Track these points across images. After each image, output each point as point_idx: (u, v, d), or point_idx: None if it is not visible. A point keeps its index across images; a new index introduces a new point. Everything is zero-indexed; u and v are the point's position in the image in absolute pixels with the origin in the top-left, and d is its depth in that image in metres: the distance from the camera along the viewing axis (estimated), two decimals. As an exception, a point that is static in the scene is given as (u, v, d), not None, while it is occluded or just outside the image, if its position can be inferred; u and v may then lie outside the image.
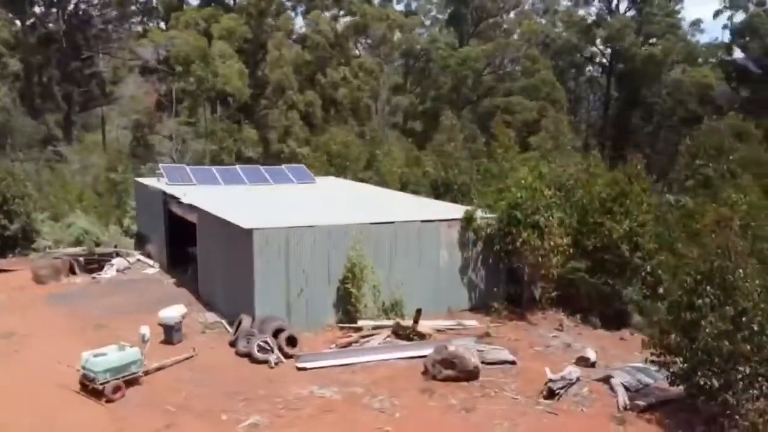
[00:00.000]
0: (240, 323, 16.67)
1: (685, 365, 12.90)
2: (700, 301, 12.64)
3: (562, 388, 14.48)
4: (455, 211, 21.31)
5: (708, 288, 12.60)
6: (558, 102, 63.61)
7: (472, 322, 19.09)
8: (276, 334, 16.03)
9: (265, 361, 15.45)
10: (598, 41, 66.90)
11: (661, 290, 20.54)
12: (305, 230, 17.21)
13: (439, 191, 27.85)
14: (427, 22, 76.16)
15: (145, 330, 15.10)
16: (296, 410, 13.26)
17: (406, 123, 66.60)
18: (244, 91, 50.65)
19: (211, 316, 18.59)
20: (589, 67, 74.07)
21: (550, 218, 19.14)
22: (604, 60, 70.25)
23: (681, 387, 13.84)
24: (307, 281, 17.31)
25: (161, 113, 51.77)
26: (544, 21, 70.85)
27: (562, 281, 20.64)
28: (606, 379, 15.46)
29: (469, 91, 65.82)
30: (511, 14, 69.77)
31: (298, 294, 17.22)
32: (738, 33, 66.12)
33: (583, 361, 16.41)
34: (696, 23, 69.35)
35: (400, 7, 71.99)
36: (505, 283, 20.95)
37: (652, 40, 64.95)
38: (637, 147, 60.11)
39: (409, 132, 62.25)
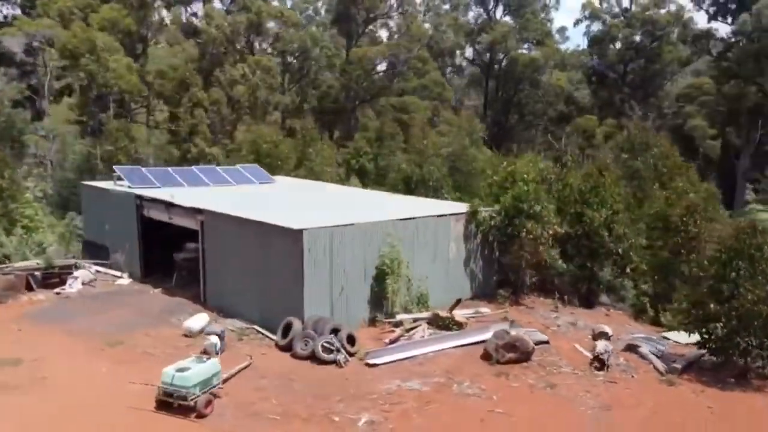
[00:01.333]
0: (289, 326, 16.28)
1: (725, 329, 15.02)
2: (734, 274, 14.83)
3: (608, 360, 16.12)
4: (449, 206, 22.30)
5: (740, 262, 14.83)
6: (448, 101, 67.19)
7: (486, 309, 20.23)
8: (333, 333, 15.93)
9: (332, 362, 15.33)
10: (480, 45, 71.28)
11: (628, 270, 23.22)
12: (346, 229, 17.22)
13: (411, 187, 28.59)
14: (304, 21, 75.97)
15: (215, 340, 14.31)
16: (399, 404, 13.47)
17: (285, 121, 65.90)
18: (140, 87, 47.56)
19: (234, 323, 17.81)
20: (467, 70, 78.72)
21: (547, 209, 20.83)
22: (480, 62, 75.14)
23: (700, 349, 16.14)
24: (347, 279, 17.33)
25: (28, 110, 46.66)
26: (427, 24, 73.98)
27: (543, 267, 22.50)
28: (630, 349, 17.40)
29: (363, 91, 67.05)
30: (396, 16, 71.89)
31: (339, 293, 17.17)
32: (595, 41, 74.20)
33: (602, 336, 18.20)
34: (561, 31, 76.56)
35: (274, 4, 70.88)
36: (496, 272, 22.41)
37: (525, 46, 70.92)
38: (516, 145, 65.68)
39: (290, 131, 61.57)
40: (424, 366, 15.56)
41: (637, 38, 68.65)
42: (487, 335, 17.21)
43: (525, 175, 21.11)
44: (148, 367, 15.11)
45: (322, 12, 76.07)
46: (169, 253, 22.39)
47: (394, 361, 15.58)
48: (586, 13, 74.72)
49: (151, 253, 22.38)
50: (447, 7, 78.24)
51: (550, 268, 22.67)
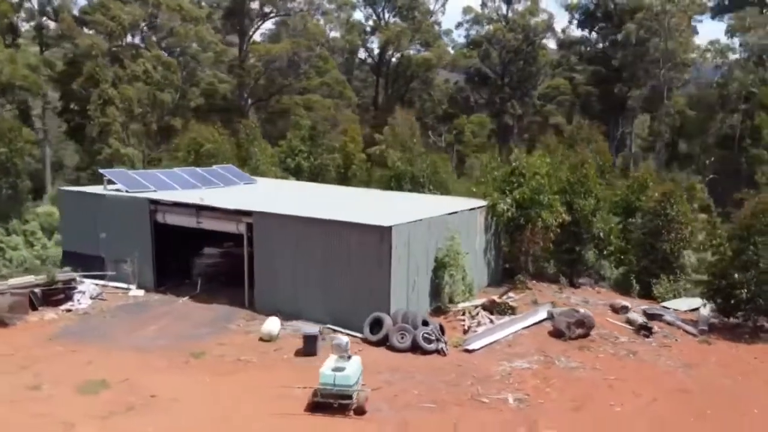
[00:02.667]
0: (378, 321, 16.60)
1: (748, 294, 17.97)
2: (752, 247, 17.82)
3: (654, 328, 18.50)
4: (463, 201, 23.54)
5: (757, 238, 17.85)
6: (349, 100, 68.15)
7: (512, 294, 21.84)
8: (423, 325, 16.57)
9: (434, 351, 15.98)
10: (375, 45, 73.05)
11: (605, 252, 26.17)
12: (418, 224, 17.84)
13: (401, 183, 29.15)
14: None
15: (345, 339, 14.33)
16: (525, 382, 14.60)
17: (162, 119, 62.81)
18: (39, 84, 43.32)
19: (300, 324, 17.63)
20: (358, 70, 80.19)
21: (556, 199, 22.94)
22: (372, 61, 77.09)
23: (717, 314, 19.13)
24: (417, 272, 17.99)
25: None
26: (322, 21, 74.27)
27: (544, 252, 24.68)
28: (654, 317, 19.88)
29: (261, 89, 65.80)
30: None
31: (413, 286, 17.80)
32: (476, 43, 79.36)
33: (623, 309, 20.62)
34: (447, 33, 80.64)
35: None
36: (503, 260, 24.23)
37: (417, 46, 74.00)
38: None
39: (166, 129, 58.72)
40: (513, 347, 16.77)
41: (516, 42, 74.31)
42: (541, 316, 18.88)
43: (537, 170, 22.95)
44: (255, 375, 14.87)
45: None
46: (179, 261, 21.34)
47: (486, 346, 16.58)
48: (468, 17, 79.92)
49: (162, 261, 21.08)
50: (332, 6, 79.07)
51: (547, 254, 24.84)
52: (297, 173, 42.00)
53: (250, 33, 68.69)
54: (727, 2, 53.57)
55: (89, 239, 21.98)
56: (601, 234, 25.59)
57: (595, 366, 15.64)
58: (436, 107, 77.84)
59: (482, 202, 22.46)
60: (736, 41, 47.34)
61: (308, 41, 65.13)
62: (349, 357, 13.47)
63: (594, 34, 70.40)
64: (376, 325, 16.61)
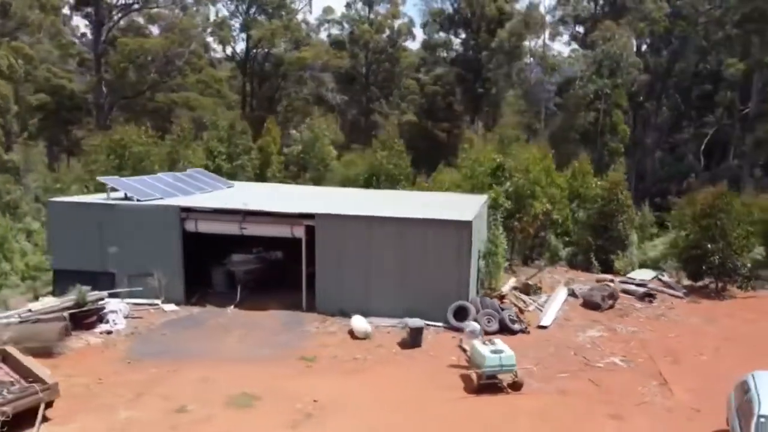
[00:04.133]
0: (462, 310, 17.89)
1: (720, 260, 22.21)
2: (717, 222, 22.14)
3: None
4: (461, 197, 25.40)
5: (720, 213, 22.18)
6: (228, 98, 66.21)
7: (522, 276, 24.26)
8: (501, 309, 18.26)
9: (519, 331, 17.73)
10: (244, 41, 71.32)
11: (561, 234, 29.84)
12: (475, 219, 19.35)
13: (379, 180, 29.58)
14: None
15: (476, 326, 15.46)
16: (613, 346, 16.96)
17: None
18: None
19: (374, 320, 18.28)
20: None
21: (544, 191, 25.87)
22: (240, 59, 75.10)
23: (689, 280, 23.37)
24: (473, 262, 19.56)
25: None
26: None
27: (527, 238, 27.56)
28: (642, 285, 23.49)
29: (128, 87, 61.26)
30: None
31: (477, 274, 19.35)
32: (339, 43, 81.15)
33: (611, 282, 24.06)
34: (314, 32, 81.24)
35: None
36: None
37: (287, 45, 73.75)
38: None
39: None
40: (571, 321, 19.12)
41: (383, 44, 77.50)
42: (564, 293, 21.53)
43: (530, 165, 25.57)
44: (385, 371, 15.41)
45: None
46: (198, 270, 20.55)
47: (552, 322, 18.72)
48: (328, 17, 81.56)
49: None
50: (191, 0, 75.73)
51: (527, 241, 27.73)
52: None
53: (110, 25, 63.47)
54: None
55: (91, 254, 20.05)
56: (560, 219, 29.12)
57: (647, 328, 18.53)
58: (306, 107, 78.38)
59: (484, 197, 24.49)
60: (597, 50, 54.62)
61: (182, 37, 62.19)
62: (492, 342, 14.73)
63: (456, 38, 75.65)
64: (460, 312, 17.87)
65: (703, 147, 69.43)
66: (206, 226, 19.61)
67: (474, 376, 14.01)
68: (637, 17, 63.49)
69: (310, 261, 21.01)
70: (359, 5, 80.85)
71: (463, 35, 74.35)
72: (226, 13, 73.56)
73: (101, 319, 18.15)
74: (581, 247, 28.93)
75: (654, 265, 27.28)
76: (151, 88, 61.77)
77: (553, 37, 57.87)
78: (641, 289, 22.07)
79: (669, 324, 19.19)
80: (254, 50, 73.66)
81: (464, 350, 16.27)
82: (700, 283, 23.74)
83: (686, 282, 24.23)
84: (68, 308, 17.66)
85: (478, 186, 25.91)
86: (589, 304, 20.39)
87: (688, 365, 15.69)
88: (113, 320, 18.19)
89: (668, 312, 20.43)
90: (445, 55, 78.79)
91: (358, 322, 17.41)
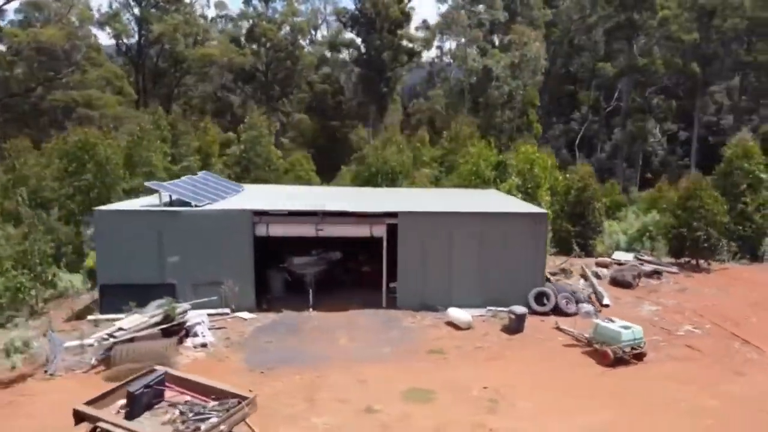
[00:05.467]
0: (542, 295, 19.33)
1: (705, 237, 25.75)
2: (698, 204, 25.70)
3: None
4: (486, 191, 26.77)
5: (695, 201, 25.77)
6: (129, 96, 61.99)
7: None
8: (573, 293, 20.00)
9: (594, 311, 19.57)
10: (144, 36, 66.82)
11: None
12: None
13: (377, 178, 29.57)
14: None
15: (591, 307, 16.90)
16: (678, 317, 19.34)
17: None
18: None
19: (470, 311, 19.04)
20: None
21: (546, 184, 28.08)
22: (132, 54, 70.10)
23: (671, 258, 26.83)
24: (544, 251, 21.06)
25: None
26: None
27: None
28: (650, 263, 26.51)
29: (14, 83, 55.20)
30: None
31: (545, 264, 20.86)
32: (235, 41, 78.73)
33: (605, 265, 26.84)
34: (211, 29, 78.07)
35: None
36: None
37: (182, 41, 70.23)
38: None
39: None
40: (621, 299, 21.30)
41: (284, 41, 76.64)
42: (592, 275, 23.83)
43: (533, 162, 27.52)
44: (516, 356, 16.41)
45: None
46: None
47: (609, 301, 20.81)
48: (221, 12, 78.93)
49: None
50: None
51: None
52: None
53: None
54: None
55: (147, 266, 18.80)
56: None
57: (687, 300, 21.23)
58: (207, 104, 75.90)
59: (491, 190, 26.06)
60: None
61: (78, 28, 57.27)
62: (612, 320, 16.35)
63: (359, 38, 76.73)
64: (541, 298, 19.30)
65: (577, 141, 76.88)
66: (279, 230, 19.14)
67: (609, 351, 15.45)
68: (523, 23, 68.91)
69: (369, 260, 21.39)
70: (255, 1, 79.33)
71: (367, 35, 75.66)
72: (117, 5, 68.64)
73: (188, 333, 17.15)
74: (562, 234, 31.61)
75: (628, 247, 30.65)
76: (42, 84, 56.04)
77: (471, 42, 60.81)
78: (647, 268, 24.90)
79: (694, 295, 22.08)
80: (150, 45, 69.60)
81: (561, 330, 17.77)
82: (681, 260, 27.20)
83: (666, 259, 27.64)
84: (159, 323, 16.54)
85: (484, 180, 27.45)
86: (621, 283, 22.74)
87: (748, 327, 18.42)
88: (201, 332, 17.27)
89: (684, 285, 23.36)
90: (347, 55, 79.66)
91: (459, 314, 18.16)
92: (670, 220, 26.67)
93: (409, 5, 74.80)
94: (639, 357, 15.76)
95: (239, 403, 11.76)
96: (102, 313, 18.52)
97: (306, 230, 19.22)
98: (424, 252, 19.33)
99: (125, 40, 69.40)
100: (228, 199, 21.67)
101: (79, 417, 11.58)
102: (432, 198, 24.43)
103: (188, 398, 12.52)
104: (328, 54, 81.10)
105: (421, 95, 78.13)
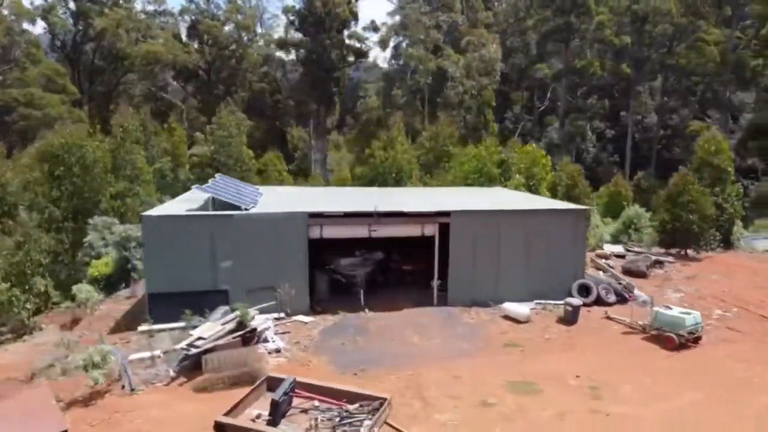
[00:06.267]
0: (585, 287, 20.33)
1: (696, 228, 27.79)
2: (688, 197, 27.73)
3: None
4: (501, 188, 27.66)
5: (684, 197, 27.83)
6: (73, 94, 58.85)
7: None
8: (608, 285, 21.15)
9: (626, 299, 20.77)
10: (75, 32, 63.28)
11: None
12: (569, 206, 21.86)
13: (385, 177, 29.45)
14: None
15: (647, 297, 17.97)
16: (704, 300, 20.90)
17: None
18: None
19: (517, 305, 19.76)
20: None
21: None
22: (69, 51, 66.08)
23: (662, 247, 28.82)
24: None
25: None
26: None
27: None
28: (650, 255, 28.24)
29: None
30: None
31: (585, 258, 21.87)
32: (175, 38, 75.97)
33: (610, 256, 28.49)
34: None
35: None
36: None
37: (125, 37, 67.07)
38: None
39: None
40: (642, 288, 22.64)
41: (230, 40, 74.89)
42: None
43: (535, 161, 28.63)
44: (586, 344, 17.28)
45: None
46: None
47: (635, 290, 22.13)
48: (159, 8, 76.00)
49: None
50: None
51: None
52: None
53: None
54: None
55: (198, 272, 18.24)
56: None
57: (703, 287, 22.90)
58: (143, 104, 73.33)
59: (497, 188, 26.99)
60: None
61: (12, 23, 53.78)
62: (669, 307, 17.54)
63: (306, 36, 76.01)
64: (583, 290, 20.29)
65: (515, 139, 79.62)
66: (332, 231, 19.04)
67: (674, 336, 16.59)
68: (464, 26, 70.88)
69: (406, 259, 21.70)
70: (199, -2, 77.11)
71: (316, 34, 75.16)
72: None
73: (259, 338, 16.82)
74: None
75: (613, 240, 32.48)
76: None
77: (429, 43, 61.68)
78: (653, 258, 26.59)
79: (704, 282, 23.86)
80: (88, 41, 66.10)
81: (611, 319, 18.84)
82: (671, 251, 29.21)
83: (654, 250, 29.60)
84: (234, 330, 16.13)
85: (490, 178, 28.31)
86: (636, 273, 24.17)
87: (767, 309, 20.20)
88: (270, 338, 16.99)
89: (689, 273, 25.16)
90: (294, 54, 78.76)
91: (517, 308, 18.82)
92: (664, 215, 28.54)
93: (356, 4, 75.07)
94: (696, 341, 16.98)
95: (381, 405, 11.83)
96: (150, 323, 17.76)
97: (359, 231, 19.23)
98: (474, 249, 19.83)
99: (60, 36, 65.42)
100: (260, 201, 21.24)
101: (221, 429, 11.28)
102: (454, 196, 24.96)
103: (315, 403, 12.46)
104: (276, 53, 79.93)
105: (366, 96, 78.55)
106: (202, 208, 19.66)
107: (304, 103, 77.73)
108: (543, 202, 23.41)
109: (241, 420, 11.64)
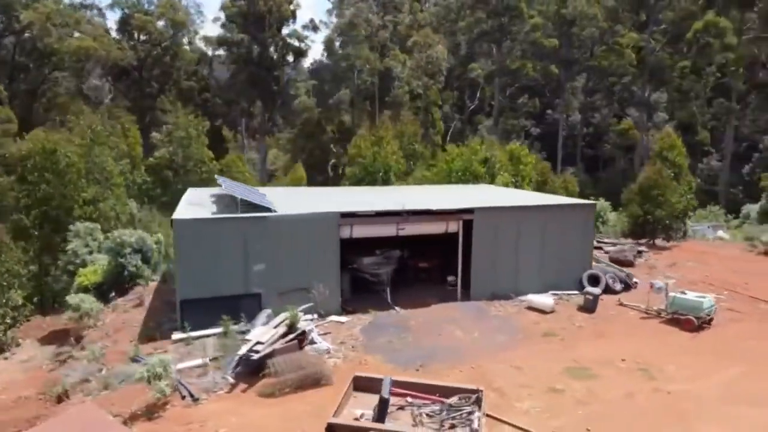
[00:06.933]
0: (594, 277, 21.49)
1: (666, 221, 29.90)
2: (657, 191, 29.85)
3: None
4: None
5: (654, 190, 29.94)
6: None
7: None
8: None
9: (630, 286, 22.15)
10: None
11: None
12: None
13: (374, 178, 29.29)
14: None
15: (662, 284, 19.27)
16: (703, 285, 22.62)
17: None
18: None
19: (535, 297, 20.58)
20: None
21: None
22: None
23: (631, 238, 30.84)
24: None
25: None
26: None
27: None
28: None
29: None
30: None
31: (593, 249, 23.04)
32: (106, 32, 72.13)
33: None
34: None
35: None
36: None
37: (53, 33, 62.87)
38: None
39: None
40: (636, 276, 24.20)
41: (166, 37, 72.13)
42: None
43: (521, 159, 29.73)
44: (612, 331, 18.35)
45: None
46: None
47: (632, 278, 23.62)
48: (89, 1, 72.11)
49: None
50: None
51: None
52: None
53: None
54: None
55: (232, 276, 17.87)
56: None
57: (688, 273, 24.70)
58: (67, 102, 69.66)
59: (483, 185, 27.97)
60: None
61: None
62: (684, 293, 18.94)
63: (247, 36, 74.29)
64: (594, 280, 21.45)
65: (448, 137, 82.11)
66: (362, 231, 19.12)
67: (694, 319, 17.95)
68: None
69: (421, 256, 22.13)
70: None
71: (257, 32, 73.80)
72: None
73: (306, 339, 16.70)
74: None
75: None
76: None
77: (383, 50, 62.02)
78: (636, 248, 28.34)
79: (685, 268, 25.74)
80: (8, 35, 61.78)
81: (624, 305, 20.09)
82: (640, 241, 31.25)
83: (623, 240, 31.57)
84: (286, 333, 15.95)
85: (476, 176, 29.15)
86: (623, 263, 25.68)
87: (753, 291, 22.13)
88: (317, 339, 16.90)
89: (669, 261, 27.04)
90: (227, 52, 76.84)
91: (542, 299, 19.68)
92: (636, 208, 30.49)
93: (296, 2, 74.39)
94: (709, 322, 18.44)
95: (478, 396, 12.17)
96: (183, 330, 17.18)
97: (388, 230, 19.40)
98: (495, 244, 20.49)
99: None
100: (282, 203, 20.92)
101: (332, 431, 11.25)
102: (450, 194, 25.59)
103: (408, 399, 12.62)
104: (210, 52, 77.67)
105: (297, 94, 77.77)
106: (222, 210, 19.14)
107: (235, 102, 76.13)
108: (550, 198, 24.45)
109: (347, 420, 11.62)
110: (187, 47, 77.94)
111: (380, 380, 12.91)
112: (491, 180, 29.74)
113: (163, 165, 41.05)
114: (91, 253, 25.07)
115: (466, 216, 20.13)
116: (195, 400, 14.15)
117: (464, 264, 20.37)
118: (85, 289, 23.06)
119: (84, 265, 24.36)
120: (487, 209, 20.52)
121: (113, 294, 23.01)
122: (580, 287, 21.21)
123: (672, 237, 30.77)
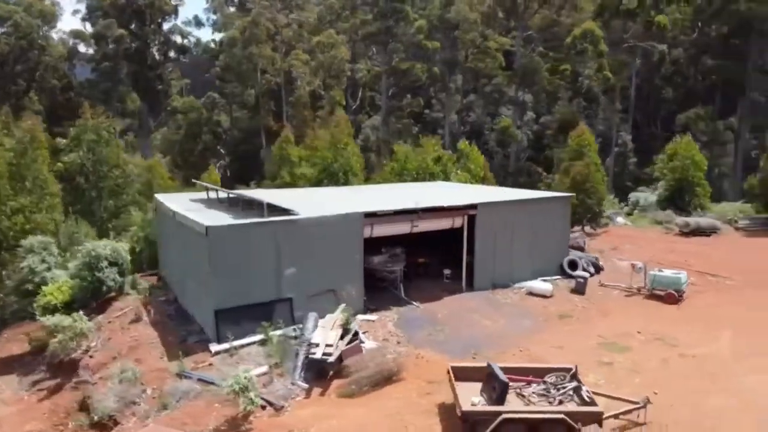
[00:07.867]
0: (573, 262, 23.65)
1: (596, 209, 33.24)
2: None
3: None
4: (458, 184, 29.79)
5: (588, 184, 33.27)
6: None
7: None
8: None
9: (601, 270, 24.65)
10: None
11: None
12: (544, 194, 25.05)
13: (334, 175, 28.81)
14: None
15: (642, 264, 21.71)
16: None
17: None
18: None
19: (522, 285, 22.34)
20: None
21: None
22: None
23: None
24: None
25: None
26: None
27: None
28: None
29: None
30: None
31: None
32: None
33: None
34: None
35: None
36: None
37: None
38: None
39: None
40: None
41: (31, 29, 65.68)
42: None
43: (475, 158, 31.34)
44: (613, 308, 20.46)
45: None
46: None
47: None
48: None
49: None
50: None
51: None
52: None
53: None
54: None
55: (264, 282, 17.57)
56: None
57: (633, 255, 27.69)
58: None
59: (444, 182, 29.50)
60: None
61: None
62: (661, 270, 21.61)
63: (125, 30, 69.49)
64: (573, 264, 23.60)
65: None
66: (381, 230, 19.51)
67: (674, 293, 20.61)
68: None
69: (418, 252, 23.03)
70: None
71: (138, 28, 69.52)
72: None
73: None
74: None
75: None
76: None
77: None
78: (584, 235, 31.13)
79: (627, 251, 28.64)
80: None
81: (605, 285, 22.45)
82: (575, 228, 34.32)
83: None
84: (343, 334, 16.09)
85: (431, 175, 30.40)
86: (575, 247, 27.77)
87: (698, 265, 25.46)
88: (362, 338, 17.14)
89: (610, 245, 30.08)
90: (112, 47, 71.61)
91: (542, 285, 21.38)
92: (573, 200, 33.44)
93: (177, -1, 71.12)
94: (682, 295, 21.23)
95: (574, 372, 13.35)
96: (219, 341, 16.59)
97: (403, 228, 19.96)
98: (494, 237, 21.82)
99: None
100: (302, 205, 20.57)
101: (467, 419, 11.84)
102: (426, 190, 26.64)
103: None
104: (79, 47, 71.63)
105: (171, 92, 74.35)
106: (239, 215, 18.54)
107: (104, 101, 71.08)
108: (525, 193, 26.31)
109: (476, 407, 12.21)
110: (56, 41, 71.46)
111: (473, 369, 13.69)
112: (445, 177, 31.15)
113: (73, 171, 37.49)
114: (49, 269, 22.76)
115: (471, 211, 21.24)
116: (280, 408, 13.88)
117: (453, 258, 21.52)
118: (51, 310, 20.99)
119: (44, 283, 22.08)
120: (489, 204, 21.81)
121: (81, 312, 21.15)
122: (562, 272, 23.24)
123: (599, 224, 34.19)
